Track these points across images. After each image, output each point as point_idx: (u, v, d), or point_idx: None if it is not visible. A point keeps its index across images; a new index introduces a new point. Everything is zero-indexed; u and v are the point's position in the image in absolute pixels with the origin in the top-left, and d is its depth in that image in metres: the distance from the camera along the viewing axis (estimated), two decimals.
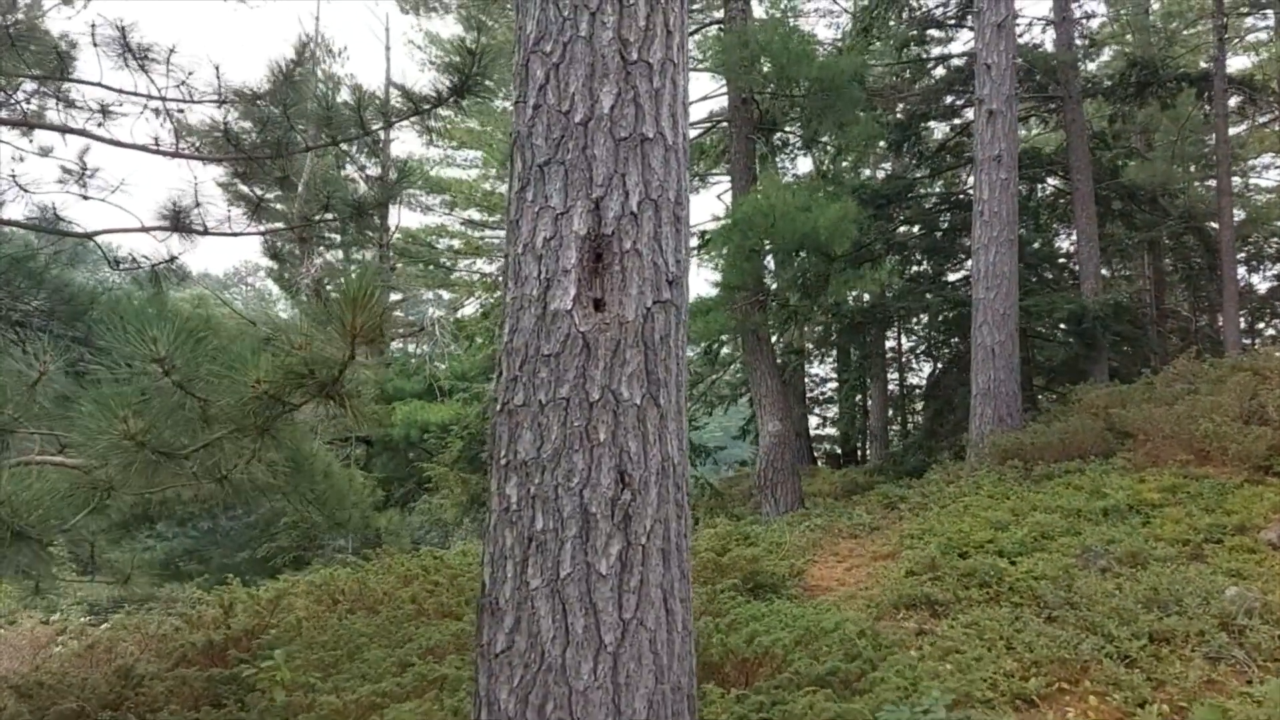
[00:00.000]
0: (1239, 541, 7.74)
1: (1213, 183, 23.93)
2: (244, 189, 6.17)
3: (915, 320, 22.99)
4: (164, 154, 6.05)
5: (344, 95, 6.19)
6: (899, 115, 18.28)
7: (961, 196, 18.05)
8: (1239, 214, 22.06)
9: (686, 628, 3.31)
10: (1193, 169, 23.61)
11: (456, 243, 26.63)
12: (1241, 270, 22.36)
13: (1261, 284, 24.35)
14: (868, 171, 21.67)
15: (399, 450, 20.32)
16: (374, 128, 5.84)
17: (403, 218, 26.77)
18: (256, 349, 3.33)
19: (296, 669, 5.90)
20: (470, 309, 24.42)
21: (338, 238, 22.68)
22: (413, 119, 5.83)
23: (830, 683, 4.57)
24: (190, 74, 5.86)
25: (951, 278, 18.88)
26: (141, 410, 3.40)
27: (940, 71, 18.27)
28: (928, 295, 17.39)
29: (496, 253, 22.92)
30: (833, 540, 10.89)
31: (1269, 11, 21.90)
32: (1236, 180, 24.26)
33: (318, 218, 6.05)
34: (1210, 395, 10.60)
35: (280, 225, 6.36)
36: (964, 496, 10.62)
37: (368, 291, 2.86)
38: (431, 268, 26.63)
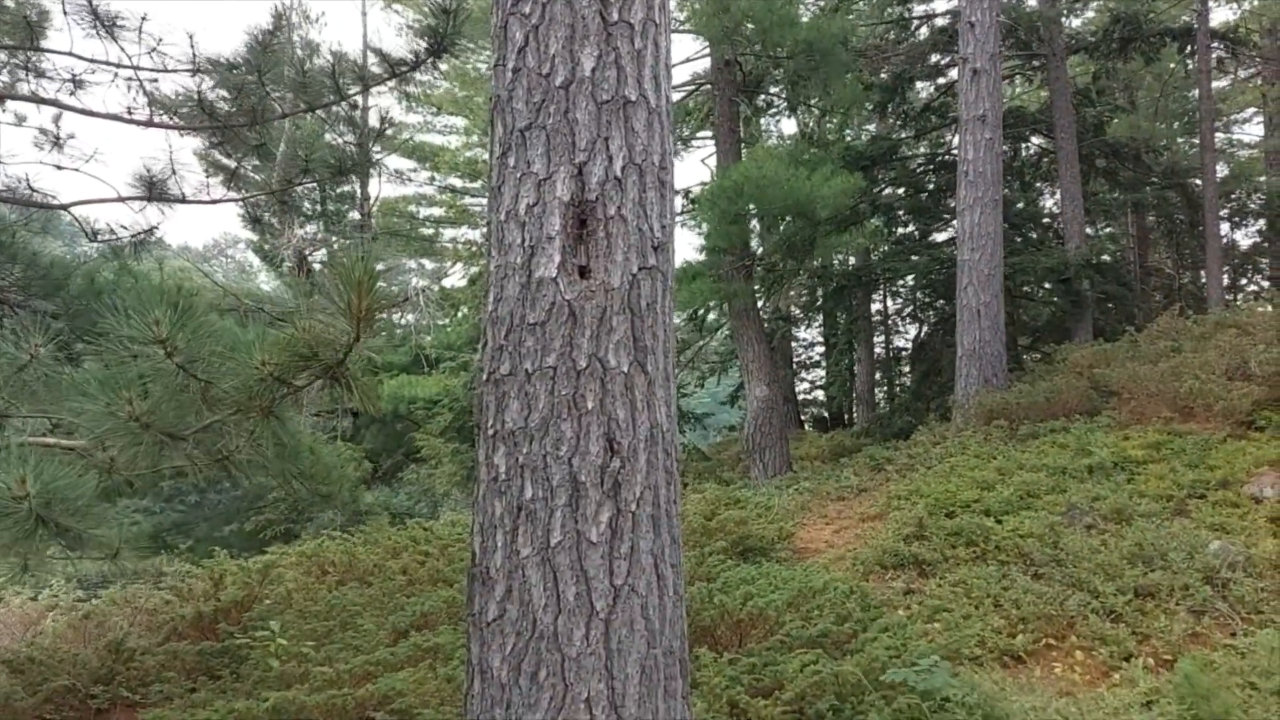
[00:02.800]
0: (1222, 496, 7.81)
1: (1196, 139, 23.95)
2: (221, 158, 6.07)
3: (900, 283, 22.99)
4: (137, 123, 5.94)
5: (320, 61, 6.08)
6: (883, 76, 18.16)
7: (947, 157, 17.98)
8: (1221, 170, 22.07)
9: (678, 592, 3.32)
10: (1175, 125, 23.57)
11: (439, 211, 26.41)
12: (1224, 227, 22.40)
13: (1244, 240, 24.42)
14: (850, 133, 21.53)
15: (386, 422, 20.26)
16: (350, 93, 5.75)
17: (383, 189, 26.56)
18: (260, 330, 3.31)
19: (290, 639, 5.91)
20: (455, 278, 24.29)
21: (318, 207, 22.50)
22: (390, 82, 5.74)
23: (822, 644, 4.59)
24: (160, 40, 5.74)
25: (937, 238, 18.85)
26: (145, 392, 3.37)
27: (924, 31, 18.12)
28: (913, 257, 17.35)
29: (480, 219, 22.73)
30: (821, 503, 10.94)
31: None
32: (1219, 136, 24.26)
33: (297, 181, 5.96)
34: (1194, 353, 10.66)
35: (260, 191, 6.27)
36: (950, 457, 10.68)
37: (369, 273, 2.84)
38: (412, 240, 26.42)
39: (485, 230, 3.44)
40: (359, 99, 6.27)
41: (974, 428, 11.55)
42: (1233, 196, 23.17)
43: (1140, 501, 7.93)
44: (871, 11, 18.24)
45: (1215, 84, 23.25)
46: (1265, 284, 22.79)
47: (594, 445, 3.10)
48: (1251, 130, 26.38)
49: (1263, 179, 22.49)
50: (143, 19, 5.99)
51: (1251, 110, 25.69)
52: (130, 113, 5.94)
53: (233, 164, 5.94)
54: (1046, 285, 15.65)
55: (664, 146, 3.38)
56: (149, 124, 6.02)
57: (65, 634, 7.85)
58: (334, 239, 21.82)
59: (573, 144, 3.18)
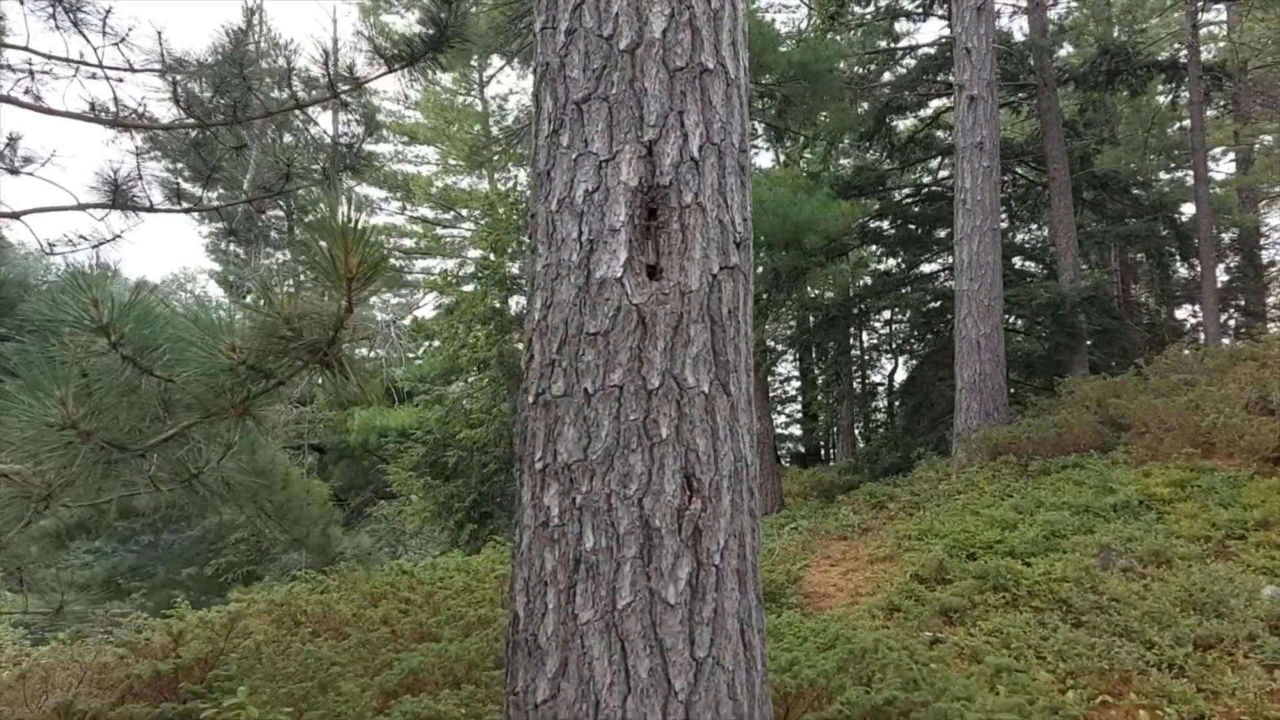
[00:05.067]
0: (1265, 537, 7.36)
1: (1178, 174, 24.01)
2: (193, 162, 5.44)
3: (877, 318, 22.61)
4: (103, 122, 5.34)
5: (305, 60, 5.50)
6: (866, 107, 17.90)
7: (935, 188, 17.70)
8: (1191, 208, 22.08)
9: (764, 665, 2.73)
10: (1153, 159, 23.61)
11: (409, 242, 25.73)
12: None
13: (1220, 275, 24.41)
14: (831, 165, 21.26)
15: (355, 458, 19.46)
16: (342, 89, 5.17)
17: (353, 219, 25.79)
18: (228, 310, 2.67)
19: (262, 705, 5.21)
20: (427, 309, 23.60)
21: (285, 236, 21.75)
22: (388, 77, 5.18)
23: (888, 713, 4.00)
24: (130, 29, 5.14)
25: (925, 270, 18.51)
26: (85, 393, 2.72)
27: (909, 62, 17.89)
28: (902, 289, 16.98)
29: (457, 250, 22.09)
30: (823, 543, 10.39)
31: (1221, 7, 21.98)
32: (1189, 173, 24.37)
33: (278, 188, 5.34)
34: (1210, 386, 10.27)
35: (235, 200, 5.64)
36: (959, 494, 10.18)
37: (359, 223, 2.21)
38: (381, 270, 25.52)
39: (531, 222, 2.86)
40: (344, 100, 5.68)
41: (980, 463, 11.07)
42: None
43: (1177, 543, 7.45)
44: (854, 43, 17.96)
45: (1185, 123, 23.40)
46: (1242, 319, 22.70)
47: (669, 482, 2.52)
48: (1223, 167, 26.54)
49: (1228, 216, 22.51)
50: (107, 11, 5.42)
51: (1221, 149, 25.85)
52: (94, 109, 5.33)
53: (208, 166, 5.31)
54: (1039, 320, 15.30)
55: (744, 126, 2.84)
56: (116, 123, 5.41)
57: (4, 694, 7.07)
58: (302, 269, 21.08)
59: (640, 118, 2.63)
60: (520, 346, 16.51)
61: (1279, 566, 6.83)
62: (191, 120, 5.35)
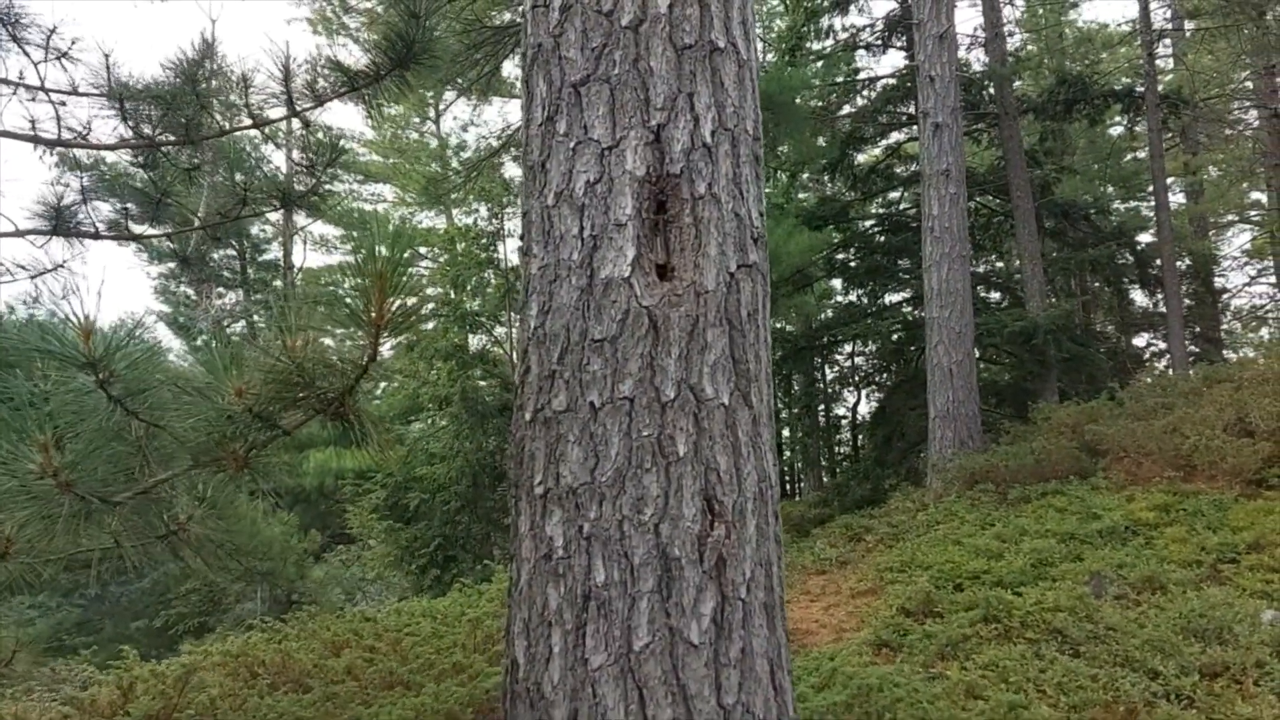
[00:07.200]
0: (1257, 560, 7.20)
1: (1131, 204, 24.37)
2: (142, 185, 5.10)
3: (839, 350, 22.58)
4: (46, 142, 4.98)
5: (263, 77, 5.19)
6: (824, 141, 17.91)
7: (899, 217, 17.69)
8: (1147, 237, 22.37)
9: (795, 712, 2.43)
10: (1109, 191, 23.95)
11: (367, 281, 25.23)
12: (1159, 294, 22.59)
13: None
14: (794, 196, 21.26)
15: (311, 501, 18.85)
16: (302, 106, 4.87)
17: (307, 257, 25.44)
18: (234, 351, 2.40)
19: None
20: (384, 348, 23.15)
21: (238, 275, 21.24)
22: (348, 97, 4.89)
23: None
24: (74, 43, 4.81)
25: (891, 300, 18.45)
26: (65, 437, 2.40)
27: (869, 94, 17.96)
28: (868, 319, 16.90)
29: (415, 291, 21.64)
30: (801, 577, 10.09)
31: (1168, 41, 22.46)
32: (1144, 204, 24.75)
33: (234, 214, 5.00)
34: (1188, 409, 10.18)
35: (187, 226, 5.28)
36: (939, 524, 9.95)
37: (399, 262, 1.96)
38: (337, 310, 25.08)
39: (523, 220, 2.57)
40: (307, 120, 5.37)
41: (957, 492, 10.88)
42: (1156, 263, 23.47)
43: (1169, 568, 7.27)
44: (819, 72, 18.01)
45: (1139, 154, 23.81)
46: (1200, 346, 22.94)
47: (689, 506, 2.23)
48: (1173, 198, 27.03)
49: (1181, 243, 22.83)
50: (52, 30, 5.10)
51: (1171, 180, 26.35)
52: (34, 127, 4.98)
53: (158, 189, 4.97)
54: (1008, 348, 15.24)
55: (756, 112, 2.59)
56: (59, 143, 5.06)
57: None
58: (256, 310, 20.58)
59: (646, 101, 2.37)
60: (482, 383, 16.13)
61: (1276, 590, 6.65)
62: (140, 139, 5.02)
